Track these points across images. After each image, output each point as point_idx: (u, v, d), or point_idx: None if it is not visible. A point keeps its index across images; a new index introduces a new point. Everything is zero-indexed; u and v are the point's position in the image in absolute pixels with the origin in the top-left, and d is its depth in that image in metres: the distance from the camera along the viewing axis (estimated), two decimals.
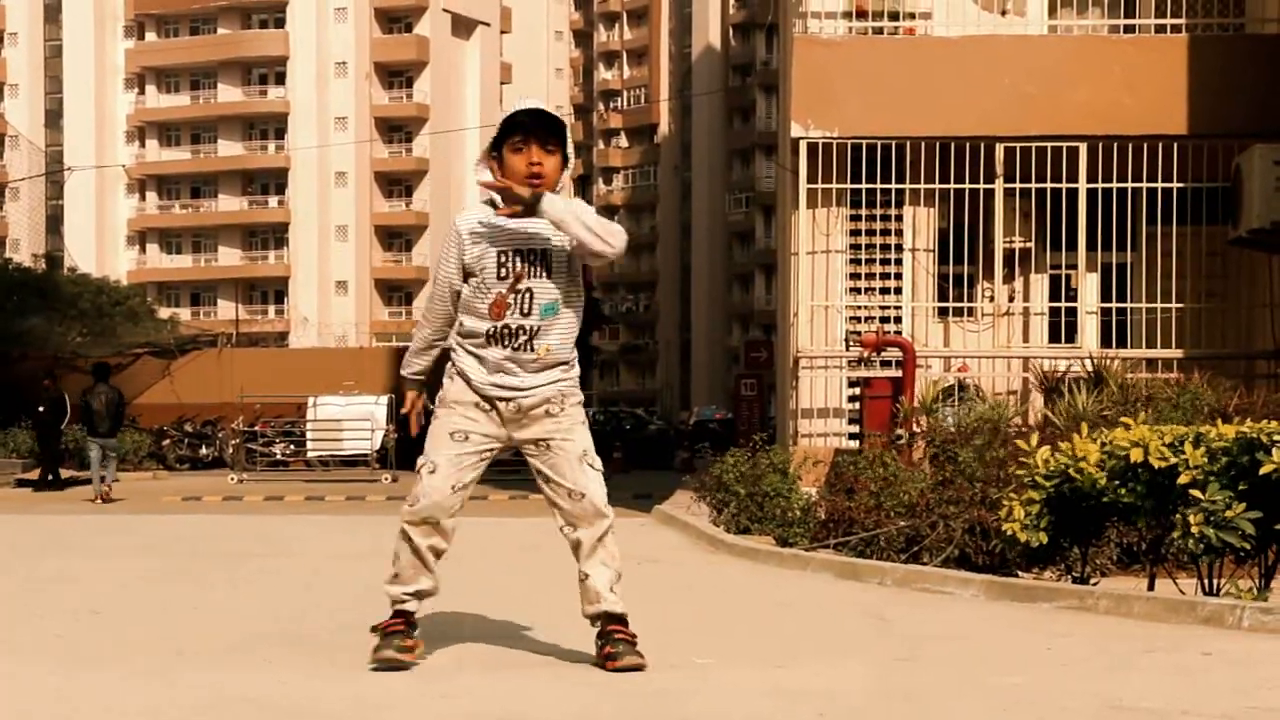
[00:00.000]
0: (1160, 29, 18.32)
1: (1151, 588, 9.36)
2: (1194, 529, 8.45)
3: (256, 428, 37.49)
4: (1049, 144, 17.90)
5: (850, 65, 18.44)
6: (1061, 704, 5.99)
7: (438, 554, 6.73)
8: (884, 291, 18.93)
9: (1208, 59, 17.87)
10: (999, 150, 18.18)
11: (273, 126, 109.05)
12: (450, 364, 6.76)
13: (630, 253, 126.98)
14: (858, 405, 18.11)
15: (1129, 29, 18.75)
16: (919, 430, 15.31)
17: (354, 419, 34.48)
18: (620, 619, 6.63)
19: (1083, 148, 17.87)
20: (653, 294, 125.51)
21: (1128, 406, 12.80)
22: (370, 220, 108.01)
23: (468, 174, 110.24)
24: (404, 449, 33.91)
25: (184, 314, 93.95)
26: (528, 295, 6.56)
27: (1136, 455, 8.81)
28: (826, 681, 6.39)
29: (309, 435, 35.77)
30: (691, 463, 30.54)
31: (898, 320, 18.80)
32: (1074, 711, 5.86)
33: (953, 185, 18.31)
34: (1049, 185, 18.07)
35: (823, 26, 18.94)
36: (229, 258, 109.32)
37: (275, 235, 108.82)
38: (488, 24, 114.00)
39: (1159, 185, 17.85)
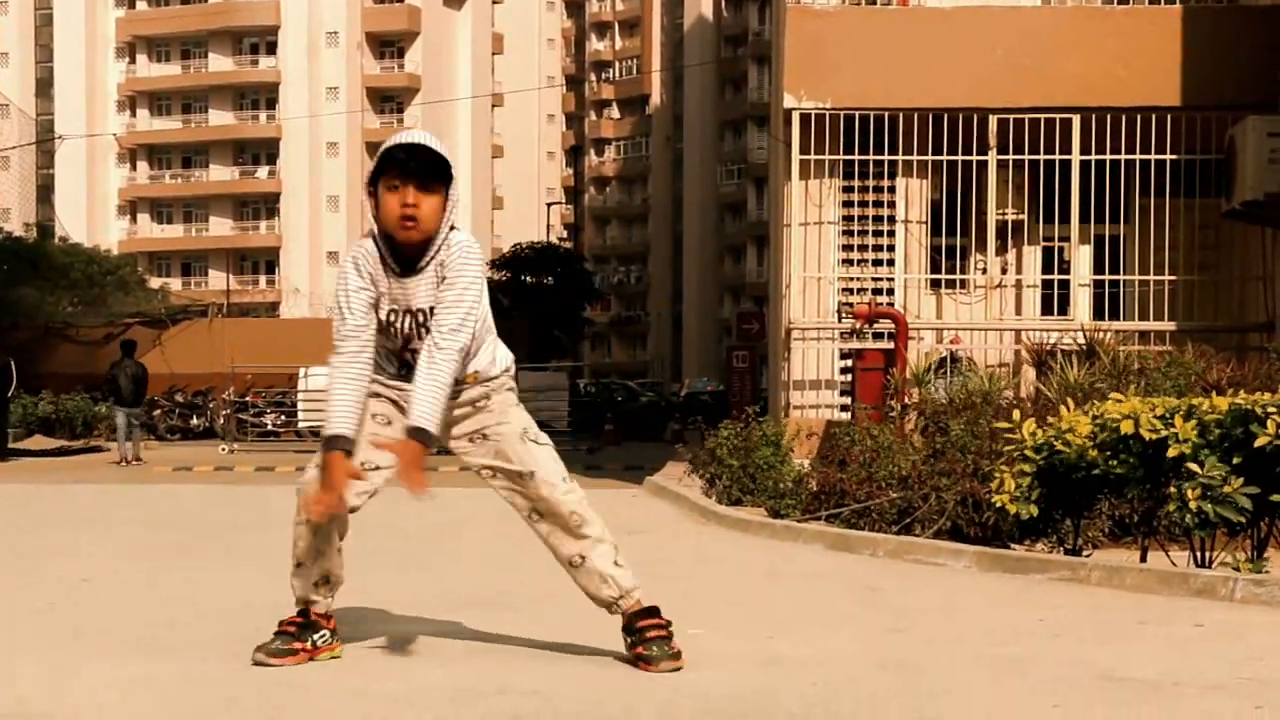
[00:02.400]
0: (1154, 0, 18.28)
1: (1144, 559, 9.37)
2: (1190, 503, 8.45)
3: (248, 398, 37.50)
4: (1042, 115, 17.87)
5: (843, 36, 18.42)
6: (1054, 674, 6.00)
7: (341, 534, 6.23)
8: (876, 263, 18.93)
9: (1201, 30, 17.85)
10: (992, 122, 18.16)
11: (264, 96, 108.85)
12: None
13: (622, 224, 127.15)
14: (850, 377, 18.10)
15: (1123, 0, 18.72)
16: (911, 402, 15.31)
17: None
18: (651, 611, 6.16)
19: (1076, 119, 17.86)
20: (644, 265, 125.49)
21: (1120, 379, 12.80)
22: (361, 191, 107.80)
23: (459, 145, 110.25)
24: None
25: (175, 284, 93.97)
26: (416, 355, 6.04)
27: (1128, 427, 8.81)
28: (819, 652, 6.39)
29: (300, 405, 35.75)
30: (683, 434, 30.62)
31: (890, 292, 18.80)
32: (1066, 681, 5.86)
33: (945, 157, 18.29)
34: (1042, 157, 18.05)
35: None
36: (220, 228, 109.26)
37: (266, 205, 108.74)
38: None
39: (1152, 157, 17.85)
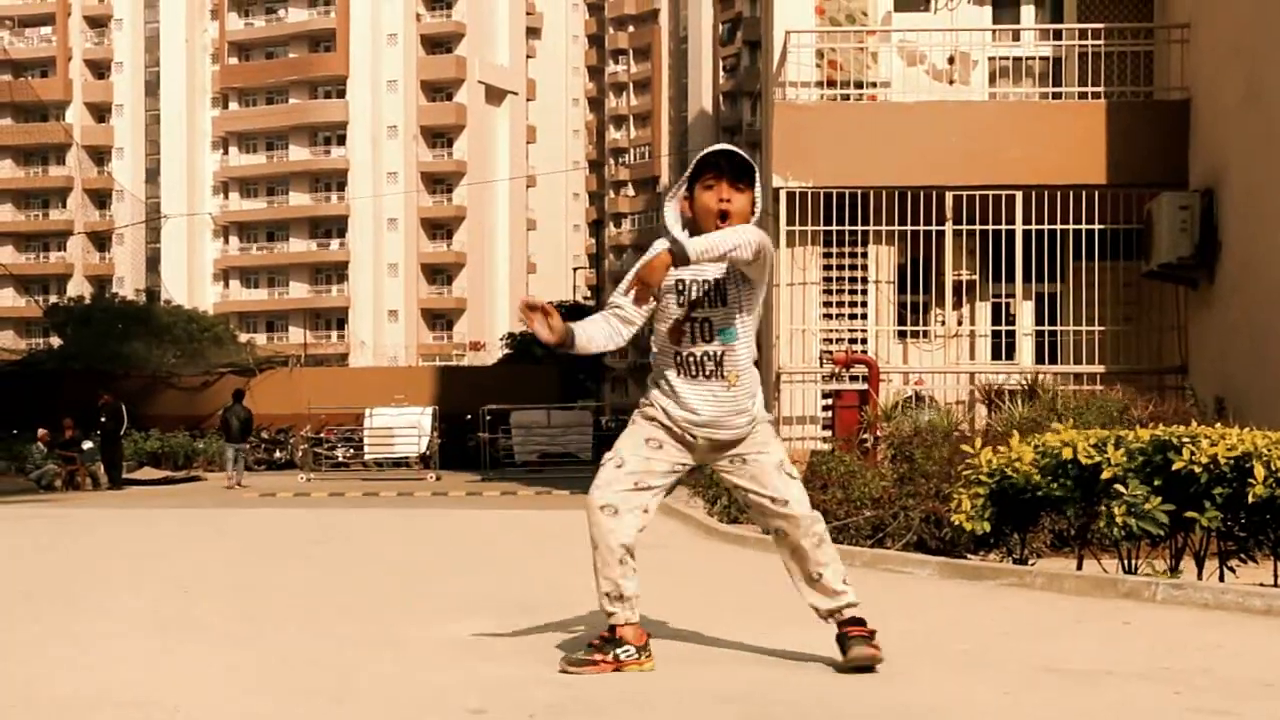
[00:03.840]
0: (1083, 96, 18.31)
1: (1080, 567, 9.34)
2: (1118, 518, 8.45)
3: (322, 434, 37.52)
4: (990, 192, 17.87)
5: (822, 126, 18.44)
6: (1004, 666, 5.98)
7: (628, 551, 5.82)
8: (852, 317, 18.90)
9: (1122, 121, 17.86)
10: (948, 198, 18.16)
11: (335, 180, 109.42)
12: (651, 375, 6.02)
13: None
14: (830, 413, 18.07)
15: (1056, 96, 18.75)
16: (881, 434, 15.26)
17: (404, 427, 34.46)
18: (860, 621, 5.89)
19: (1019, 195, 17.86)
20: None
21: (1058, 414, 12.78)
22: (417, 259, 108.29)
23: (499, 220, 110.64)
24: (445, 453, 33.98)
25: (260, 339, 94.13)
26: (706, 324, 5.78)
27: (1067, 454, 8.81)
28: (806, 650, 6.36)
29: (366, 440, 35.73)
30: None
31: (864, 341, 18.77)
32: (1014, 672, 5.84)
33: (909, 227, 18.28)
34: (991, 227, 18.03)
35: (799, 94, 18.94)
36: (298, 291, 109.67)
37: (337, 272, 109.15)
38: (516, 93, 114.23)
39: (1083, 227, 17.83)
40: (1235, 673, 5.90)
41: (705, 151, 5.86)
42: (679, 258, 5.53)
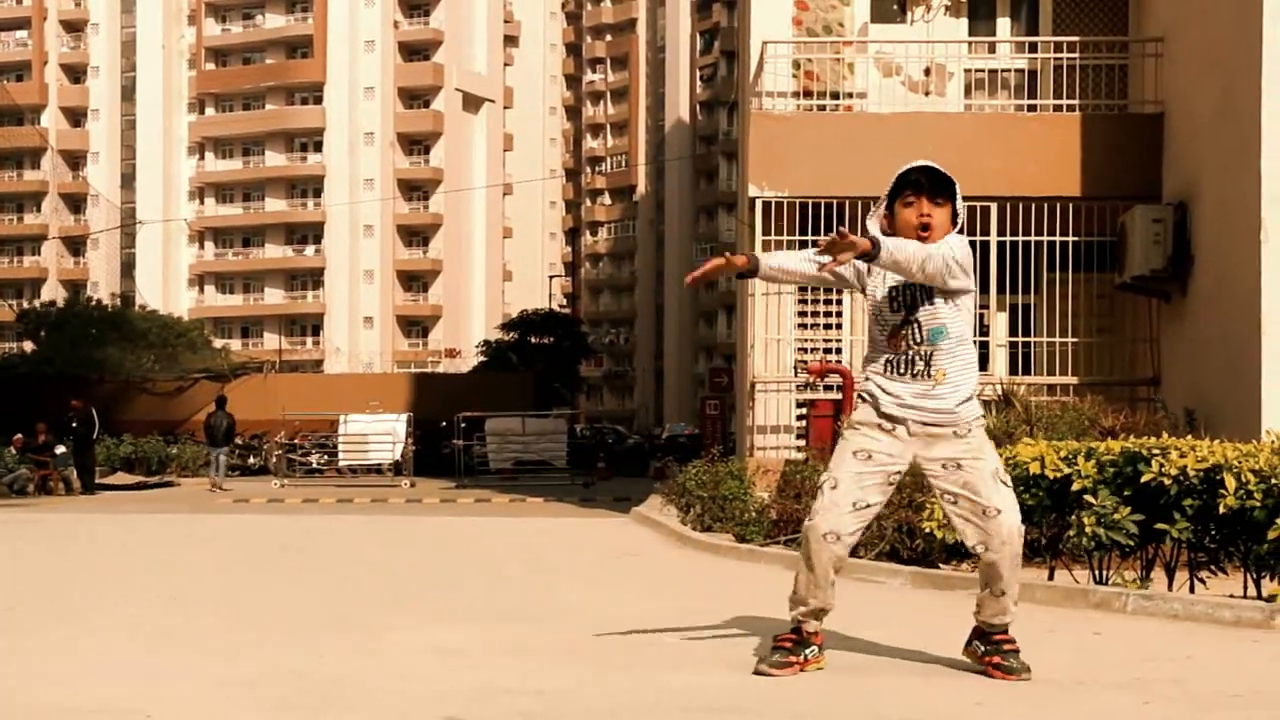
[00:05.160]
0: (1058, 108, 18.38)
1: (1051, 578, 9.37)
2: (1087, 529, 8.48)
3: (296, 441, 37.44)
4: (965, 203, 17.89)
5: (798, 136, 18.48)
6: (976, 676, 6.00)
7: (836, 570, 5.93)
8: (827, 327, 18.94)
9: (1097, 133, 17.93)
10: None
11: (311, 186, 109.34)
12: (859, 390, 6.11)
13: (612, 293, 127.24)
14: (804, 423, 18.10)
15: (1031, 108, 18.82)
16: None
17: (378, 434, 34.40)
18: (1006, 630, 6.02)
19: (994, 207, 17.91)
20: (631, 328, 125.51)
21: (1032, 424, 12.83)
22: (393, 266, 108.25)
23: (475, 227, 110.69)
24: (420, 460, 33.93)
25: (235, 345, 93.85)
26: (917, 325, 5.89)
27: (1035, 468, 8.84)
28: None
29: (340, 447, 35.64)
30: (664, 471, 30.64)
31: (839, 351, 18.80)
32: (987, 682, 5.87)
33: (885, 237, 18.32)
34: (965, 238, 18.06)
35: (775, 104, 18.98)
36: (274, 297, 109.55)
37: (313, 278, 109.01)
38: (493, 101, 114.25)
39: (1057, 239, 17.89)
40: (1205, 684, 5.93)
41: (904, 168, 5.98)
42: (870, 249, 5.70)
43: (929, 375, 5.89)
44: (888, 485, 5.92)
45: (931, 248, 5.80)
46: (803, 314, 18.93)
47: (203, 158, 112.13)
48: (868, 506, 5.86)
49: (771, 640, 6.08)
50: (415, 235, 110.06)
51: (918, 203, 5.88)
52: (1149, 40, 17.91)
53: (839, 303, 18.89)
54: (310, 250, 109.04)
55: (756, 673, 5.87)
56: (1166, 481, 8.28)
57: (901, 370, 5.92)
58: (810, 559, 5.86)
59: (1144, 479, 8.36)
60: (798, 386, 18.60)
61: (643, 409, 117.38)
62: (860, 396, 6.05)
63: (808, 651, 5.95)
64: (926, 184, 5.88)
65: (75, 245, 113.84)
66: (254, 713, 5.33)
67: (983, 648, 6.02)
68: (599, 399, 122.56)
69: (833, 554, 5.83)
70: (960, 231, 6.03)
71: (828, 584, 5.89)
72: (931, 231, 5.84)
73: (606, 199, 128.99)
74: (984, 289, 18.33)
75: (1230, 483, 7.97)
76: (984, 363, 18.41)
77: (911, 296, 5.92)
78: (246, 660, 6.54)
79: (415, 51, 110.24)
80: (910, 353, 5.91)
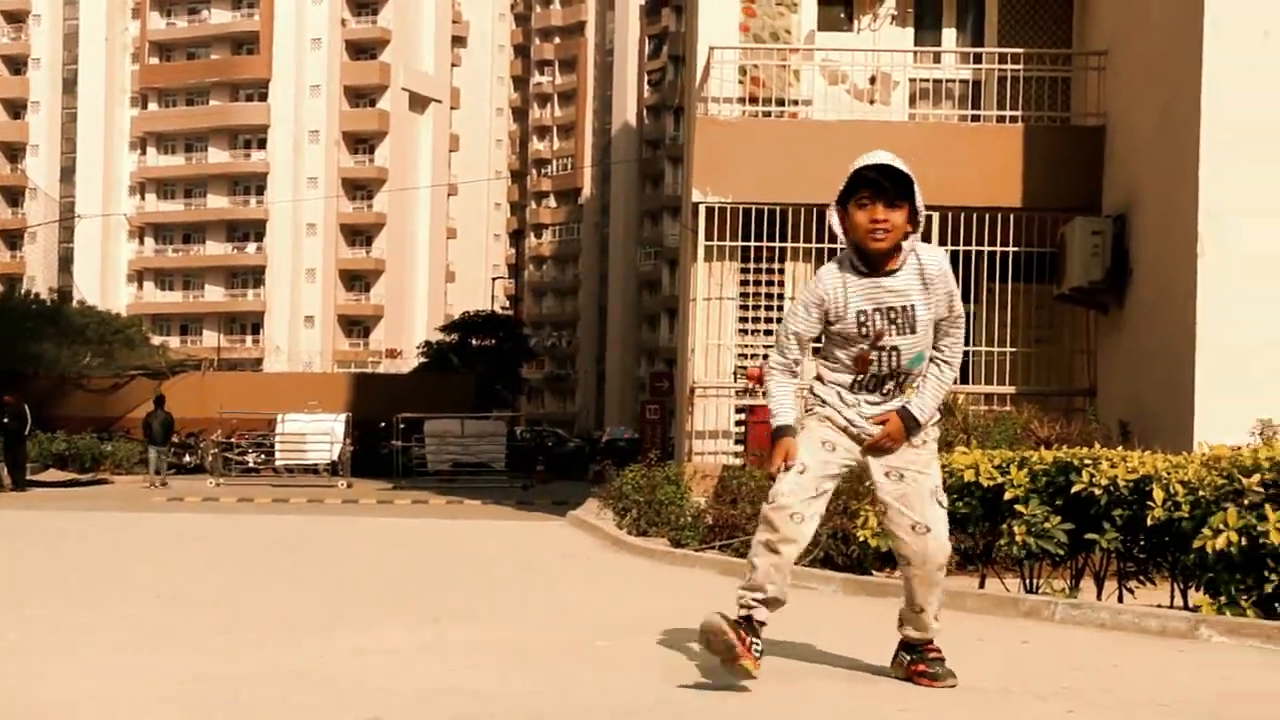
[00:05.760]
0: (1001, 119, 18.49)
1: (982, 586, 9.41)
2: (1018, 538, 8.54)
3: (233, 439, 37.22)
4: None
5: (743, 142, 18.52)
6: (903, 684, 6.00)
7: (789, 556, 5.70)
8: (768, 333, 18.97)
9: (1039, 145, 18.05)
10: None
11: (254, 184, 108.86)
12: (818, 387, 5.85)
13: (556, 296, 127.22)
14: (743, 428, 18.13)
15: (975, 118, 18.92)
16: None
17: (316, 433, 34.28)
18: (931, 640, 5.92)
19: (936, 216, 17.99)
20: (574, 331, 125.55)
21: (969, 433, 12.88)
22: (336, 265, 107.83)
23: (419, 227, 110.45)
24: (358, 460, 33.79)
25: (174, 342, 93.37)
26: (893, 353, 5.66)
27: (970, 475, 8.88)
28: (711, 663, 6.38)
29: (277, 446, 35.49)
30: (603, 475, 30.62)
31: None
32: (913, 690, 5.88)
33: (827, 245, 18.36)
34: (945, 252, 18.11)
35: (720, 109, 19.02)
36: (214, 294, 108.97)
37: (254, 276, 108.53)
38: (440, 101, 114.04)
39: (998, 249, 18.00)
40: (1130, 693, 5.97)
41: (859, 164, 5.67)
42: (909, 426, 5.67)
43: (901, 391, 5.76)
44: (838, 479, 5.81)
45: (957, 359, 5.74)
46: (744, 319, 18.97)
47: (144, 153, 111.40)
48: (824, 494, 5.73)
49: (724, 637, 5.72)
50: (358, 234, 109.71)
51: (872, 206, 5.57)
52: (1092, 54, 18.05)
53: (779, 309, 18.92)
54: (252, 248, 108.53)
55: (704, 629, 5.58)
56: (1097, 492, 8.34)
57: (870, 389, 5.75)
58: (772, 542, 5.65)
59: (1075, 489, 8.42)
60: (737, 392, 18.63)
61: (584, 412, 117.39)
62: (820, 393, 5.82)
63: (754, 642, 5.65)
64: (885, 185, 5.59)
65: (12, 239, 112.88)
66: (164, 714, 5.29)
67: (908, 658, 5.97)
68: (540, 402, 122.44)
69: (800, 533, 5.64)
70: (925, 237, 5.87)
71: (788, 569, 5.71)
72: (888, 236, 5.58)
73: (552, 201, 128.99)
74: None
75: (1159, 494, 8.03)
76: None
77: (885, 326, 5.66)
78: (159, 658, 6.48)
79: (362, 50, 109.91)
80: (882, 374, 5.72)
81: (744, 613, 5.68)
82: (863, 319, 5.63)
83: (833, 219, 5.73)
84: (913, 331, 5.64)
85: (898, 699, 5.66)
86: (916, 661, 5.91)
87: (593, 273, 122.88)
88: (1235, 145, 13.59)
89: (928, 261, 5.72)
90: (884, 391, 5.74)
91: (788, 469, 5.64)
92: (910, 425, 5.68)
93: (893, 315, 5.62)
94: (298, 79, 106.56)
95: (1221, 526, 7.64)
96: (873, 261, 5.65)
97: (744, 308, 18.95)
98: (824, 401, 5.79)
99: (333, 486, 30.49)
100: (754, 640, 5.64)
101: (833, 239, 5.91)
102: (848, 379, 5.75)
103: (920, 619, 5.88)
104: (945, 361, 5.79)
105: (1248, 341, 13.40)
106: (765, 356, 18.47)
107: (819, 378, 5.87)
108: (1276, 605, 7.73)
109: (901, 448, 5.74)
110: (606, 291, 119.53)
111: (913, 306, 5.64)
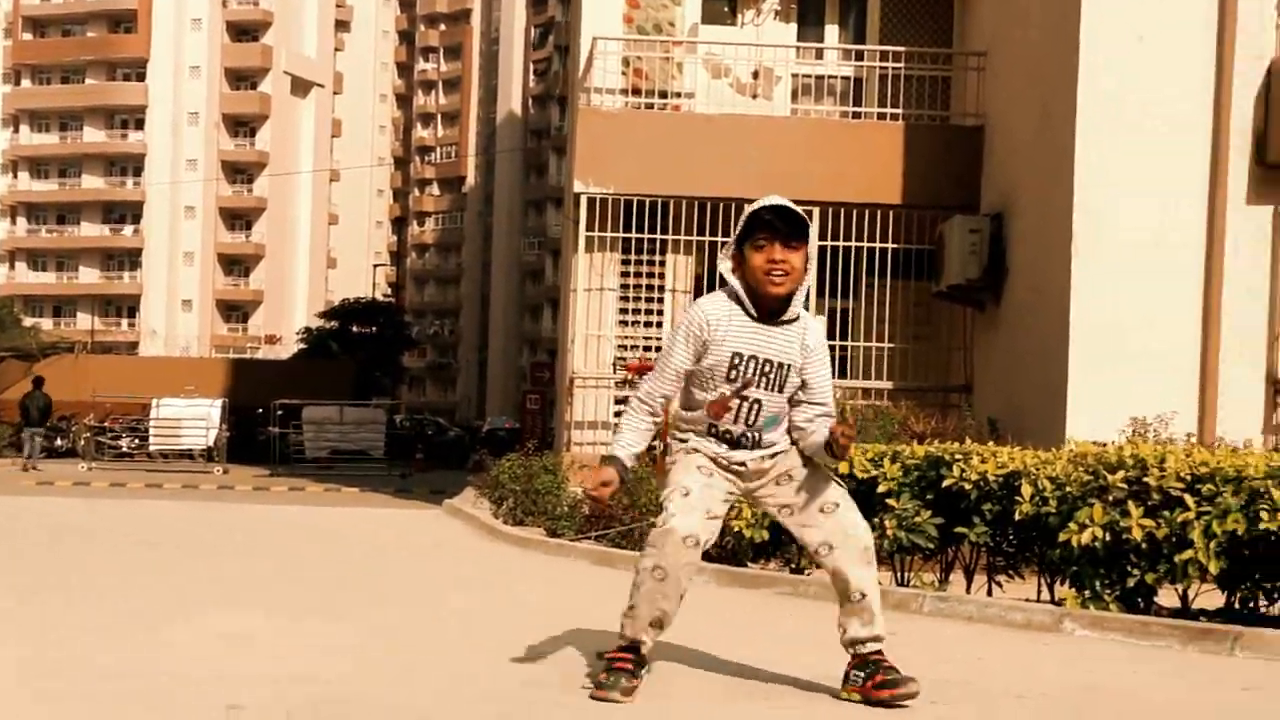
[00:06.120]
0: (882, 116, 18.66)
1: None
2: (889, 531, 8.63)
3: (106, 423, 36.68)
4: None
5: (625, 134, 18.54)
6: (772, 675, 6.05)
7: (685, 578, 5.43)
8: (648, 325, 19.02)
9: (920, 143, 18.24)
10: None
11: (131, 165, 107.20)
12: (676, 432, 5.66)
13: (438, 284, 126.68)
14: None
15: (856, 115, 19.08)
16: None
17: (192, 418, 33.87)
18: (879, 641, 5.59)
19: (816, 211, 18.08)
20: (456, 320, 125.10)
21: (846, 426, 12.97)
22: (214, 249, 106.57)
23: (300, 212, 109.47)
24: (235, 446, 33.44)
25: (46, 324, 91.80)
26: (754, 406, 5.46)
27: (844, 468, 8.96)
28: (580, 658, 6.39)
29: (152, 431, 34.99)
30: (483, 464, 30.49)
31: (659, 350, 18.89)
32: (782, 681, 5.92)
33: (707, 238, 18.44)
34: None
35: (604, 100, 19.02)
36: (89, 276, 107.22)
37: (130, 259, 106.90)
38: (322, 85, 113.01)
39: (877, 245, 18.17)
40: (991, 684, 6.06)
41: (755, 206, 5.47)
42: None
43: (759, 444, 5.52)
44: (726, 504, 5.56)
45: (829, 419, 5.52)
46: (624, 311, 18.99)
47: (17, 130, 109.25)
48: (716, 518, 5.49)
49: (604, 660, 5.59)
50: (238, 218, 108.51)
51: (769, 248, 5.36)
52: (972, 54, 18.27)
53: (660, 300, 18.98)
54: (128, 230, 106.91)
55: (596, 698, 5.37)
56: (967, 486, 8.47)
57: (724, 438, 5.52)
58: (663, 566, 5.38)
59: (945, 483, 8.54)
60: (616, 383, 18.66)
61: (465, 401, 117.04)
62: (687, 433, 5.62)
63: (644, 671, 5.57)
64: (781, 227, 5.39)
65: None
66: (12, 698, 5.22)
67: (862, 675, 5.55)
68: (422, 390, 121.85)
69: (691, 560, 5.39)
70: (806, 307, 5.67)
71: (678, 594, 5.44)
72: (786, 279, 5.37)
73: (435, 189, 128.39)
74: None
75: (1027, 489, 8.16)
76: None
77: (756, 376, 5.46)
78: (11, 641, 6.39)
79: (244, 32, 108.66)
80: (736, 431, 5.52)
81: (631, 642, 5.55)
82: (736, 361, 5.43)
83: (723, 265, 5.54)
84: (780, 391, 5.46)
85: (764, 691, 5.70)
86: (873, 673, 5.52)
87: (476, 261, 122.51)
88: (1110, 146, 13.84)
89: (811, 331, 5.54)
90: (739, 445, 5.54)
91: (604, 494, 5.51)
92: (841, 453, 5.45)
93: (767, 369, 5.44)
94: (177, 59, 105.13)
95: (1087, 522, 7.78)
96: (764, 308, 5.45)
97: (624, 299, 18.98)
98: (685, 440, 5.61)
99: (208, 473, 30.13)
100: (645, 669, 5.59)
101: (714, 231, 5.86)
102: (702, 425, 5.55)
103: (864, 607, 5.51)
104: (830, 416, 5.59)
105: (1122, 318, 13.68)
106: (645, 349, 18.61)
107: (675, 424, 5.69)
108: (1139, 600, 7.89)
109: (776, 486, 5.57)
110: (489, 280, 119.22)
111: (788, 367, 5.46)
